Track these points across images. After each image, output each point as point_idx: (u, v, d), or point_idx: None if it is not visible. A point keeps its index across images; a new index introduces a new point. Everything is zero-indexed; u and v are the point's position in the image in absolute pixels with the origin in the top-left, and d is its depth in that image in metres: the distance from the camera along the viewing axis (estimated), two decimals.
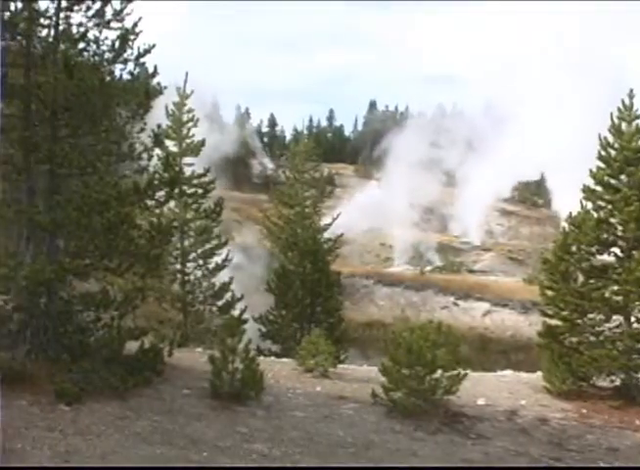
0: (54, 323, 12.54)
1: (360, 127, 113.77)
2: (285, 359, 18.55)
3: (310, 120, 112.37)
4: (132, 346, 13.13)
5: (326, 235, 36.70)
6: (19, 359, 11.55)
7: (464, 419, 13.42)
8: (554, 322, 16.65)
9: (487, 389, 16.01)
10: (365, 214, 56.76)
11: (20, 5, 12.12)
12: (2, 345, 12.16)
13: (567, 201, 24.35)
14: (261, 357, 15.32)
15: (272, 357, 19.75)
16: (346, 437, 11.74)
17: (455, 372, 13.69)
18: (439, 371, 13.54)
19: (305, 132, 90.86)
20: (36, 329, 12.41)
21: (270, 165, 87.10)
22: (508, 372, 19.49)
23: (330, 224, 39.36)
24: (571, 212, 16.84)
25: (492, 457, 11.51)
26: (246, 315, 21.78)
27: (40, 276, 11.58)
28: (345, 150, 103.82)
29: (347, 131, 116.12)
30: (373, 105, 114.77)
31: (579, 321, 16.29)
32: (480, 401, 14.77)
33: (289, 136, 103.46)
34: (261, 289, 28.13)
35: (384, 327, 39.41)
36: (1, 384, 10.45)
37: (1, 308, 12.77)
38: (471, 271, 58.66)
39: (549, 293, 16.83)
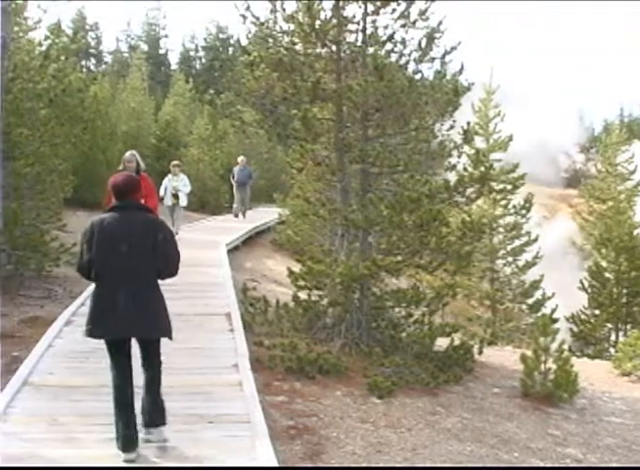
0: (367, 318, 12.93)
1: None
2: (599, 361, 17.76)
3: (621, 110, 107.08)
4: (440, 342, 13.21)
5: None
6: (334, 352, 12.01)
7: None
8: None
9: None
10: None
11: (329, 14, 12.66)
12: (318, 338, 12.77)
13: None
14: (574, 358, 14.73)
15: (585, 359, 18.98)
16: None
17: None
18: None
19: (616, 123, 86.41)
20: (350, 324, 12.84)
21: (579, 159, 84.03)
22: None
23: None
24: None
25: None
26: (557, 314, 21.26)
27: (354, 272, 11.97)
28: None
29: None
30: None
31: None
32: None
33: (598, 128, 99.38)
34: (573, 287, 27.27)
35: None
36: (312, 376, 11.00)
37: (317, 303, 13.42)
38: None
39: None
